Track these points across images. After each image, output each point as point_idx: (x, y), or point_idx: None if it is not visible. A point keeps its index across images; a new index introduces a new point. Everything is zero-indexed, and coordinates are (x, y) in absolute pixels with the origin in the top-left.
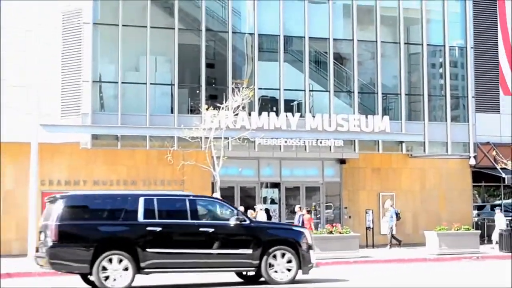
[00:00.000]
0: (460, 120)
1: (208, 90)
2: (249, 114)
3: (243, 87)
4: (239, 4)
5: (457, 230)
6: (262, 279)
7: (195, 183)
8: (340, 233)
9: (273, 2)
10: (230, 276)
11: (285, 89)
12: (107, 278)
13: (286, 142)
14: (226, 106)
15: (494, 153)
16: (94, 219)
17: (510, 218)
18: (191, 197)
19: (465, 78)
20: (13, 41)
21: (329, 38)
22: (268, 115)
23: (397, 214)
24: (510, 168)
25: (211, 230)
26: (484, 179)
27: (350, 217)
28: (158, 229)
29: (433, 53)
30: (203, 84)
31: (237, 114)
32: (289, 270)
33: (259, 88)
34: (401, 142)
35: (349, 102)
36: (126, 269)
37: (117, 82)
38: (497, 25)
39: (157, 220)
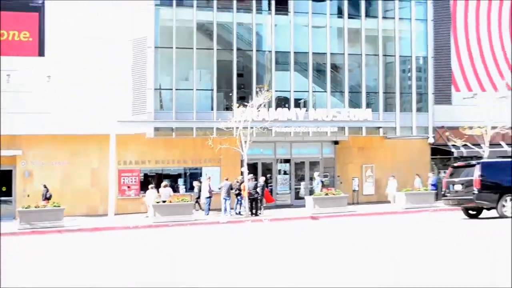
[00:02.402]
0: (422, 111)
1: (238, 93)
2: (268, 110)
3: (264, 90)
4: (261, 28)
5: (419, 191)
6: None
7: (229, 161)
8: (333, 194)
9: (285, 27)
10: None
11: (294, 91)
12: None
13: (295, 129)
14: (251, 104)
15: (447, 133)
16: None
17: None
18: None
19: (426, 80)
20: (99, 59)
21: (326, 53)
22: (282, 110)
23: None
24: (459, 144)
25: None
26: (439, 153)
27: (341, 182)
28: None
29: (403, 62)
30: (235, 89)
31: (259, 110)
32: None
33: (276, 91)
34: (379, 128)
35: (341, 99)
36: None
37: (171, 89)
38: (450, 40)
39: None
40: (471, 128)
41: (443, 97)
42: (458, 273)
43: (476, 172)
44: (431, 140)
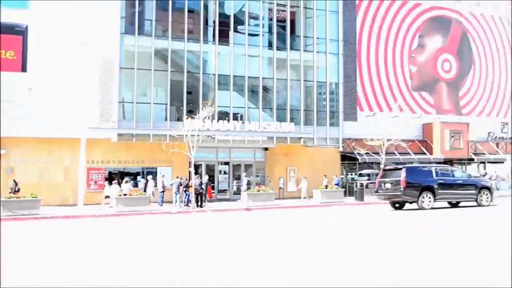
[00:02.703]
0: (334, 125)
1: (187, 107)
2: (212, 121)
3: (208, 106)
4: (207, 55)
5: (331, 189)
6: None
7: (179, 162)
8: (264, 191)
9: (226, 55)
10: None
11: (233, 107)
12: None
13: (233, 138)
14: (198, 116)
15: (353, 144)
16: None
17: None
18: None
19: (337, 101)
20: (73, 75)
21: (259, 77)
22: (223, 122)
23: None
24: (362, 152)
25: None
26: (347, 159)
27: (270, 181)
28: (441, 181)
29: (319, 86)
30: (185, 103)
31: (204, 122)
32: None
33: (218, 106)
34: (300, 138)
35: (271, 114)
36: (430, 200)
37: (133, 102)
38: (356, 70)
39: (440, 177)
40: (371, 140)
41: (350, 115)
42: (397, 244)
43: (402, 174)
44: (341, 149)
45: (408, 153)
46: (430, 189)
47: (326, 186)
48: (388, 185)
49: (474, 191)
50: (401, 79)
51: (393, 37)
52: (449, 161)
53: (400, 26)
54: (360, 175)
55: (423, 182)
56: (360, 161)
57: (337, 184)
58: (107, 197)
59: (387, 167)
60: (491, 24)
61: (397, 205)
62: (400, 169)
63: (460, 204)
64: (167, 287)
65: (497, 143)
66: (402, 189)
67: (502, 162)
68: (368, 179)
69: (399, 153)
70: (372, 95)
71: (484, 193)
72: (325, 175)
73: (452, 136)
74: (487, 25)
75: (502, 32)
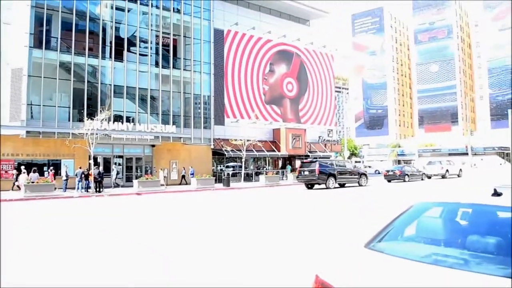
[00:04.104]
0: (207, 128)
1: (88, 111)
2: (108, 123)
3: (105, 110)
4: (104, 69)
5: (205, 177)
6: None
7: (81, 155)
8: (151, 179)
9: (121, 70)
10: None
11: (126, 111)
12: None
13: (126, 136)
14: (97, 118)
15: (221, 143)
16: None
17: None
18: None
19: (209, 109)
20: None
21: (148, 88)
22: (117, 123)
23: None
24: (228, 149)
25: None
26: (217, 155)
27: (156, 171)
28: (339, 170)
29: (196, 97)
30: (85, 108)
31: (102, 123)
32: None
33: (114, 110)
34: (180, 138)
35: (157, 118)
36: (333, 182)
37: (40, 105)
38: (223, 85)
39: (338, 167)
40: (235, 140)
41: (219, 120)
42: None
43: (316, 165)
44: (212, 146)
45: (263, 151)
46: (333, 175)
47: (183, 176)
48: (307, 173)
49: (357, 176)
50: (257, 95)
51: (251, 63)
52: (292, 157)
53: (256, 55)
54: (227, 166)
55: (329, 170)
56: (227, 156)
57: (192, 174)
58: (16, 185)
59: (305, 160)
60: (320, 58)
61: (309, 186)
62: (315, 162)
63: (346, 185)
64: None
65: (325, 144)
66: (317, 175)
67: (329, 157)
68: (233, 170)
69: (256, 151)
70: (236, 106)
71: (362, 177)
72: (191, 166)
73: (294, 138)
74: (318, 59)
75: (328, 64)
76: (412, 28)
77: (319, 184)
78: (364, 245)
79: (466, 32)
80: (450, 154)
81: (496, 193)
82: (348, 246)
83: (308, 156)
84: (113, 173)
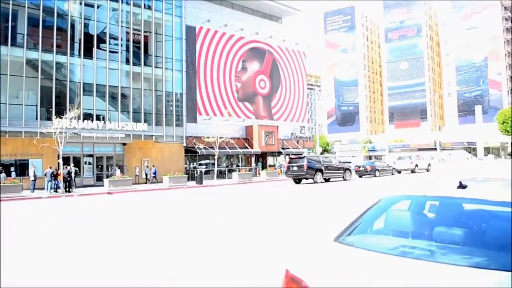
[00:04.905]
0: (179, 126)
1: (56, 109)
2: (78, 121)
3: (75, 108)
4: (73, 66)
5: (177, 175)
6: None
7: (49, 155)
8: (122, 178)
9: (90, 67)
10: None
11: (96, 109)
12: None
13: (96, 135)
14: (66, 117)
15: (194, 140)
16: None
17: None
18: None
19: (182, 107)
20: None
21: (118, 86)
22: (87, 122)
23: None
24: (201, 147)
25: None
26: (190, 152)
27: (128, 170)
28: (325, 165)
29: (167, 95)
30: (54, 106)
31: (71, 121)
32: None
33: (83, 108)
34: (152, 135)
35: (128, 116)
36: (320, 177)
37: (6, 104)
38: (196, 83)
39: (324, 163)
40: (208, 137)
41: (192, 118)
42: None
43: (305, 161)
44: (184, 144)
45: (236, 148)
46: (320, 170)
47: (147, 175)
48: (295, 168)
49: (342, 171)
50: (230, 92)
51: (224, 60)
52: (264, 154)
53: (229, 52)
54: (200, 164)
55: (316, 165)
56: (199, 153)
57: (154, 173)
58: None
59: (293, 157)
60: (292, 55)
61: (297, 180)
62: (303, 158)
63: (332, 179)
64: None
65: (298, 141)
66: (305, 170)
67: (302, 154)
68: (206, 167)
69: (229, 148)
70: (208, 103)
71: (347, 172)
72: (153, 165)
73: (267, 135)
74: (290, 56)
75: (300, 62)
76: (383, 26)
77: (307, 178)
78: (333, 239)
79: (435, 30)
80: (419, 149)
81: (462, 186)
82: (318, 240)
83: (281, 153)
84: (64, 172)
